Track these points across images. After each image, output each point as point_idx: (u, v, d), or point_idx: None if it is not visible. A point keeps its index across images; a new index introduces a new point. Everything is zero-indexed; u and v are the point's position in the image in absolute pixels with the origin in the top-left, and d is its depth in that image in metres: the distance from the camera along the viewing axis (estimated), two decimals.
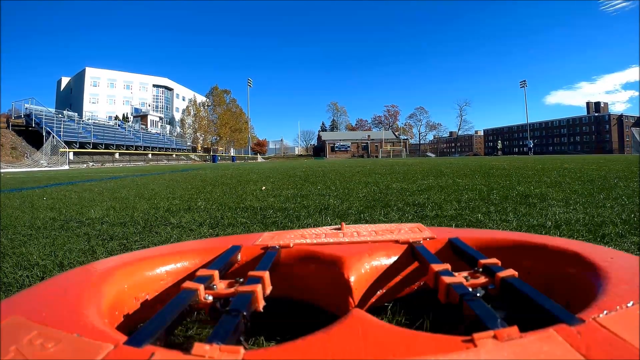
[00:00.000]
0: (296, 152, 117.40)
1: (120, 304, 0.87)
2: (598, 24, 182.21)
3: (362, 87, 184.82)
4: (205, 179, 7.98)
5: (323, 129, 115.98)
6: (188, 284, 0.78)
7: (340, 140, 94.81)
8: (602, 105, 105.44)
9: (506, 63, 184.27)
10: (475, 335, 0.52)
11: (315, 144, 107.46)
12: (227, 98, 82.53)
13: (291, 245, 1.11)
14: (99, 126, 47.67)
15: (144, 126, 65.00)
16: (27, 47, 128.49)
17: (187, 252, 1.09)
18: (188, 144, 71.74)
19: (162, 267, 1.00)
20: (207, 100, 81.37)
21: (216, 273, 0.86)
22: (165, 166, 28.08)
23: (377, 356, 0.51)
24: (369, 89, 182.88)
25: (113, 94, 75.21)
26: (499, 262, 0.86)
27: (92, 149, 39.76)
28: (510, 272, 0.79)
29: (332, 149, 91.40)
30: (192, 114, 76.32)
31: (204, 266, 1.00)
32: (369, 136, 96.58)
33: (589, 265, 0.82)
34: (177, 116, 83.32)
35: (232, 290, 0.79)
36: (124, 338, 0.57)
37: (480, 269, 0.85)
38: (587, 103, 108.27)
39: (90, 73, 72.81)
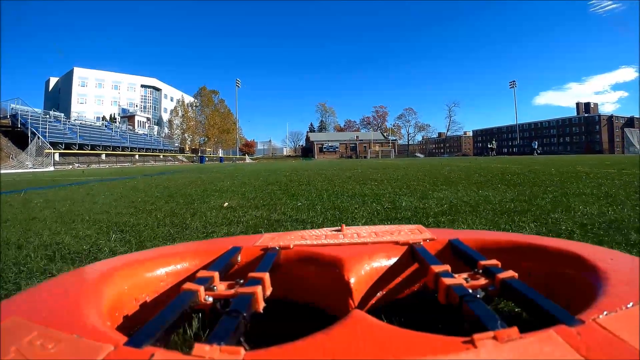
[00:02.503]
0: (285, 153, 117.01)
1: (120, 305, 0.87)
2: (588, 25, 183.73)
3: (351, 88, 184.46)
4: (169, 186, 6.87)
5: (311, 130, 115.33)
6: (188, 285, 0.79)
7: (328, 141, 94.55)
8: (592, 106, 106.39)
9: (495, 64, 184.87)
10: (475, 336, 0.53)
11: (304, 145, 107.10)
12: (215, 99, 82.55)
13: (291, 246, 1.12)
14: (85, 127, 47.26)
15: (131, 127, 64.40)
16: (15, 47, 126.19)
17: (187, 253, 1.10)
18: (176, 144, 71.22)
19: (162, 269, 1.01)
20: (195, 100, 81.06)
21: (216, 274, 0.86)
22: (148, 168, 26.45)
23: (377, 357, 0.52)
24: (357, 90, 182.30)
25: (101, 94, 74.73)
26: (499, 264, 0.86)
27: (77, 149, 39.21)
28: (510, 273, 0.79)
29: (321, 150, 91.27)
30: (180, 114, 75.90)
31: (204, 267, 1.01)
32: (357, 137, 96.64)
33: (589, 266, 0.83)
34: (165, 117, 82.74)
35: (232, 291, 0.80)
36: (124, 339, 0.57)
37: (480, 270, 0.86)
38: (577, 104, 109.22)
39: (78, 73, 72.26)
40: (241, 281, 0.85)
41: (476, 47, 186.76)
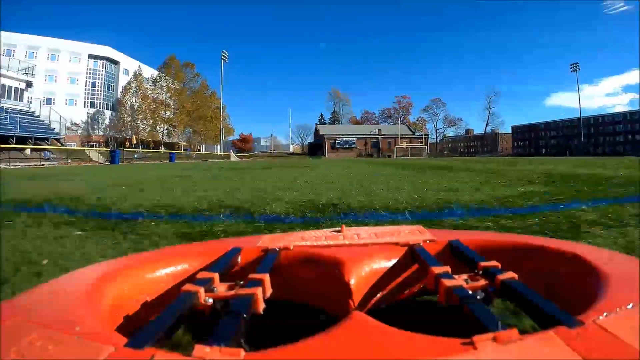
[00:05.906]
0: (291, 150, 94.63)
1: (121, 306, 0.87)
2: (600, 26, 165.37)
3: (369, 75, 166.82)
4: None
5: (322, 122, 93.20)
6: (188, 287, 0.79)
7: (342, 135, 77.39)
8: None
9: (507, 62, 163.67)
10: (475, 338, 0.53)
11: (312, 141, 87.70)
12: (188, 73, 57.50)
13: (291, 247, 1.11)
14: None
15: None
16: None
17: (188, 254, 1.10)
18: (129, 134, 48.77)
19: (162, 270, 1.00)
20: (159, 74, 55.93)
21: (216, 275, 0.86)
22: None
23: (377, 358, 0.53)
24: (376, 77, 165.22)
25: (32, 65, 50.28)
26: (499, 265, 0.86)
27: None
28: (510, 274, 0.80)
29: (333, 146, 74.74)
30: (133, 89, 51.03)
31: (204, 268, 1.00)
32: (379, 130, 77.26)
33: (589, 267, 0.83)
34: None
35: (232, 292, 0.80)
36: (125, 340, 0.58)
37: (480, 272, 0.86)
38: None
39: (3, 38, 48.23)
40: (241, 282, 0.84)
41: (489, 45, 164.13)
